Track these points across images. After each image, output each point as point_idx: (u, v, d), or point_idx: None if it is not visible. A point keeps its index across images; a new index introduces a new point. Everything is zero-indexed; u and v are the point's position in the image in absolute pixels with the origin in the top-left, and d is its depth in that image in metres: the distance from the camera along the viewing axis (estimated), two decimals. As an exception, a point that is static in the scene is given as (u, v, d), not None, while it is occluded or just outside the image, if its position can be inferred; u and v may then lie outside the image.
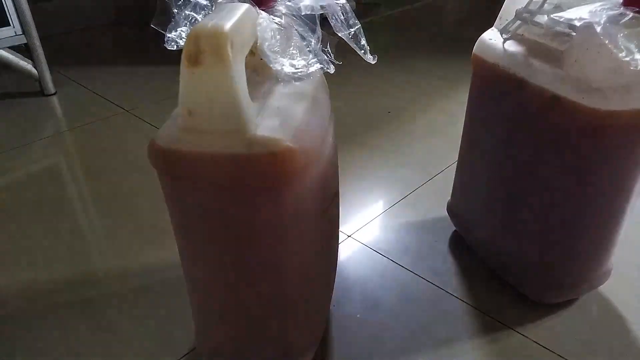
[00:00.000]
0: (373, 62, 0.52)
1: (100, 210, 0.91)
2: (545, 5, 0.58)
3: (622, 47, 0.48)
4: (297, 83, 0.49)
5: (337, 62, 0.51)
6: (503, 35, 0.63)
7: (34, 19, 1.24)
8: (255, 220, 0.46)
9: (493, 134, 0.67)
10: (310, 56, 0.49)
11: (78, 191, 0.97)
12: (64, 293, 0.73)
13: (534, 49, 0.59)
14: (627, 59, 0.48)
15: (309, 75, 0.50)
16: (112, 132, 1.16)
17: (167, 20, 0.46)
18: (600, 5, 0.53)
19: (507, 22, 0.62)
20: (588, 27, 0.51)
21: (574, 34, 0.54)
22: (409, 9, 2.01)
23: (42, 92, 1.33)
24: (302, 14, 0.49)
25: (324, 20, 0.50)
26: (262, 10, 0.47)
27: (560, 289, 0.68)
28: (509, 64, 0.61)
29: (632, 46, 0.48)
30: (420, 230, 0.85)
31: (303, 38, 0.50)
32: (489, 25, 0.68)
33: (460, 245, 0.81)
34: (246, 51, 0.43)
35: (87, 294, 0.73)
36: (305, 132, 0.45)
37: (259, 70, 0.49)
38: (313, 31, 0.50)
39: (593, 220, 0.61)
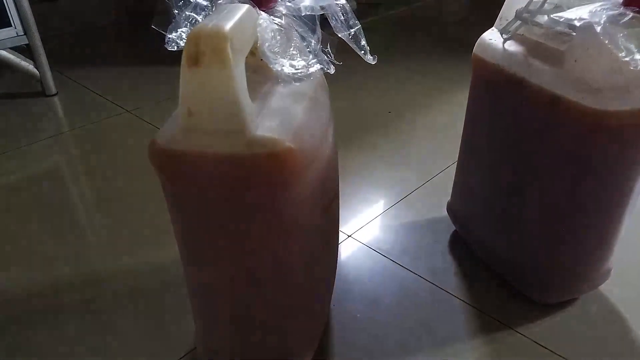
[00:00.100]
0: (373, 63, 0.52)
1: (100, 211, 0.91)
2: (546, 5, 0.58)
3: (622, 47, 0.48)
4: (297, 83, 0.49)
5: (337, 63, 0.51)
6: (503, 35, 0.63)
7: (35, 19, 1.24)
8: (255, 221, 0.46)
9: (493, 134, 0.67)
10: (311, 57, 0.49)
11: (79, 191, 0.97)
12: (64, 293, 0.73)
13: (534, 49, 0.59)
14: (627, 59, 0.48)
15: (309, 75, 0.50)
16: (113, 133, 1.16)
17: (168, 21, 0.46)
18: (600, 5, 0.53)
19: (507, 22, 0.63)
20: (588, 27, 0.51)
21: (574, 34, 0.54)
22: (409, 9, 2.01)
23: (43, 93, 1.33)
24: (302, 14, 0.49)
25: (324, 20, 0.50)
26: (262, 10, 0.47)
27: (560, 288, 0.68)
28: (509, 64, 0.61)
29: (632, 46, 0.48)
30: (420, 230, 0.85)
31: (303, 39, 0.50)
32: (488, 26, 0.68)
33: (460, 245, 0.81)
34: (246, 52, 0.43)
35: (87, 294, 0.73)
36: (305, 133, 0.45)
37: (259, 70, 0.49)
38: (313, 32, 0.50)
39: (593, 220, 0.61)
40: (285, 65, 0.47)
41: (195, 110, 0.41)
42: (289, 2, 0.50)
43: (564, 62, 0.55)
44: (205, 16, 0.47)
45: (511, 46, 0.62)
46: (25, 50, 1.28)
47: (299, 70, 0.48)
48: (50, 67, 1.31)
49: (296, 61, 0.48)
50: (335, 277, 0.69)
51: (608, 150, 0.55)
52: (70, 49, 1.67)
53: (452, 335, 0.66)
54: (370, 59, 0.52)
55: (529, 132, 0.61)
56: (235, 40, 0.39)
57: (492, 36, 0.65)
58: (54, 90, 1.33)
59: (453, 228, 0.83)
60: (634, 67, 0.48)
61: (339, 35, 0.50)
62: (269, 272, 0.50)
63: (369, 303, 0.71)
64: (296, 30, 0.49)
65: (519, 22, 0.61)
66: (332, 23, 0.50)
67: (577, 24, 0.53)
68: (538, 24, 0.58)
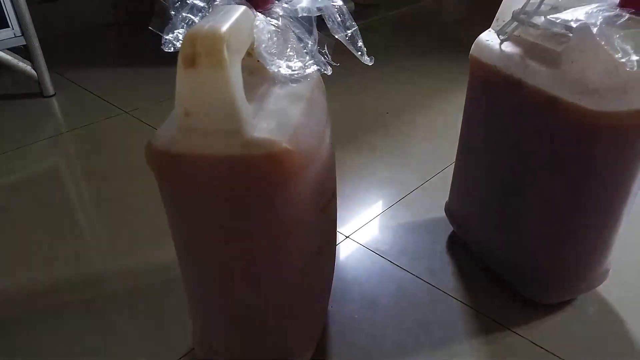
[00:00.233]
0: (370, 64, 0.52)
1: (100, 211, 0.91)
2: (542, 6, 0.58)
3: (618, 48, 0.48)
4: (294, 85, 0.49)
5: (334, 64, 0.51)
6: (500, 36, 0.63)
7: (34, 20, 1.24)
8: (253, 222, 0.46)
9: (490, 135, 0.67)
10: (307, 58, 0.50)
11: (77, 192, 0.98)
12: (64, 293, 0.74)
13: (531, 50, 0.59)
14: (624, 60, 0.48)
15: (305, 76, 0.50)
16: (112, 134, 1.17)
17: (165, 22, 0.47)
18: (597, 7, 0.53)
19: (504, 23, 0.63)
20: (584, 28, 0.51)
21: (571, 35, 0.54)
22: (407, 10, 2.01)
23: (41, 94, 1.33)
24: (299, 15, 0.49)
25: (321, 22, 0.51)
26: (259, 12, 0.47)
27: (558, 289, 0.68)
28: (506, 65, 0.61)
29: (629, 47, 0.48)
30: (418, 230, 0.85)
31: (300, 40, 0.50)
32: (487, 26, 0.68)
33: (458, 245, 0.81)
34: (243, 53, 0.43)
35: (87, 294, 0.73)
36: (302, 134, 0.45)
37: (256, 72, 0.49)
38: (310, 33, 0.50)
39: (590, 221, 0.62)
40: (282, 67, 0.47)
41: (191, 111, 0.41)
42: (286, 3, 0.50)
43: (560, 63, 0.55)
44: (201, 17, 0.47)
45: (508, 47, 0.62)
46: (23, 51, 1.28)
47: (296, 72, 0.48)
48: (49, 67, 1.31)
49: (293, 62, 0.48)
50: (333, 278, 0.69)
51: (605, 151, 0.56)
52: (68, 49, 1.68)
53: (450, 336, 0.66)
54: (367, 60, 0.52)
55: (527, 133, 0.61)
56: (232, 42, 0.39)
57: (489, 37, 0.65)
58: (51, 91, 1.33)
59: (451, 229, 0.83)
60: (630, 68, 0.48)
61: (336, 37, 0.50)
62: (268, 272, 0.50)
63: (367, 304, 0.71)
64: (293, 32, 0.49)
65: (515, 23, 0.61)
66: (329, 24, 0.50)
67: (574, 25, 0.53)
68: (535, 25, 0.58)
